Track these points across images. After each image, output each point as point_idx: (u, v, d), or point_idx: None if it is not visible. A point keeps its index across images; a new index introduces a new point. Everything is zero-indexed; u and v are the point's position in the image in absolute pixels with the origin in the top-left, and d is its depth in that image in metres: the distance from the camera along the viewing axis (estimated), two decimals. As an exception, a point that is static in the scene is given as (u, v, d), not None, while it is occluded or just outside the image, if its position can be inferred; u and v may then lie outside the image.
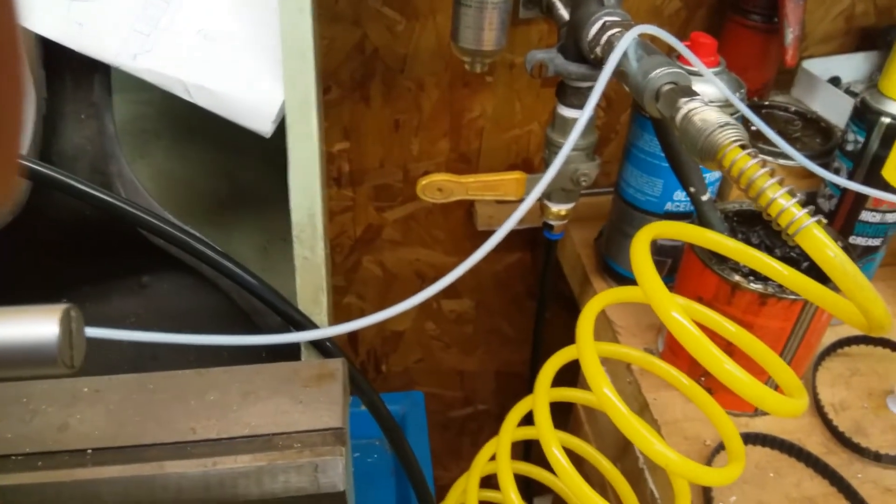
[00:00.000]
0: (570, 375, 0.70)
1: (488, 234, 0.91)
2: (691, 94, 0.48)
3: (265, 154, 0.60)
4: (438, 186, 0.62)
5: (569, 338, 0.85)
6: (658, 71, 0.50)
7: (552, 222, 0.69)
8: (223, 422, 0.37)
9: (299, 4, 0.45)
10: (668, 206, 0.68)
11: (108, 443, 0.35)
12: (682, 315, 0.39)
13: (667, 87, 0.49)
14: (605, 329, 0.71)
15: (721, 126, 0.43)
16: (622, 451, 0.66)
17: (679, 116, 0.47)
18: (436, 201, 0.63)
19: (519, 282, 1.02)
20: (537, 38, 0.83)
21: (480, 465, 0.60)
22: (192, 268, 0.56)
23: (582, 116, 0.53)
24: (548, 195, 0.67)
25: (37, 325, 0.20)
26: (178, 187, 0.69)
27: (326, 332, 0.40)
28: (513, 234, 0.63)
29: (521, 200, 0.68)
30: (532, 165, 0.92)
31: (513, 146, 0.90)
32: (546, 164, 0.68)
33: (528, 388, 0.95)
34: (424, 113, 0.86)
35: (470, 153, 0.90)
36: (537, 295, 0.86)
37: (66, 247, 0.56)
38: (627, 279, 0.73)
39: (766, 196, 0.38)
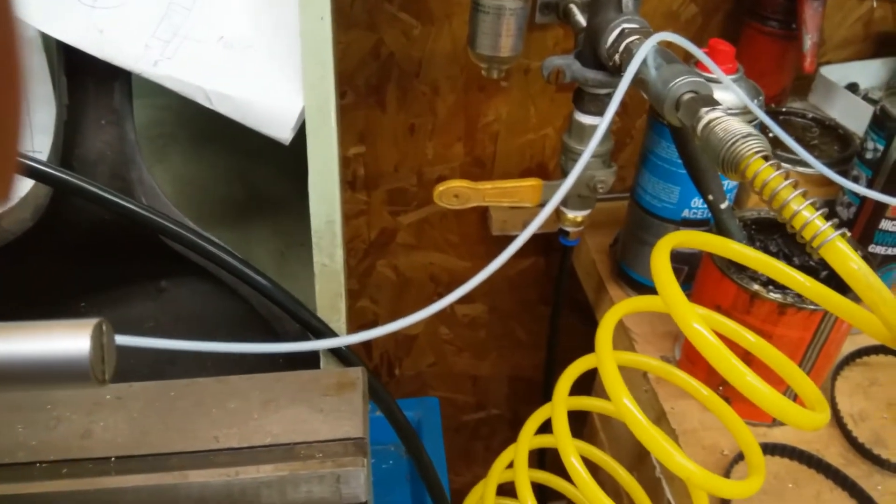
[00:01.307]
0: (586, 382, 0.70)
1: (502, 238, 0.91)
2: (712, 103, 0.48)
3: (283, 159, 0.60)
4: (455, 193, 0.62)
5: (583, 344, 0.85)
6: (678, 80, 0.50)
7: (568, 229, 0.69)
8: (245, 430, 0.37)
9: (320, 12, 0.45)
10: (686, 213, 0.68)
11: (132, 451, 0.36)
12: (703, 326, 0.38)
13: (687, 97, 0.49)
14: (622, 337, 0.70)
15: (744, 137, 0.43)
16: (638, 460, 0.66)
17: (700, 126, 0.47)
18: (452, 207, 0.63)
19: (532, 287, 1.02)
20: (553, 42, 0.83)
21: (497, 473, 0.60)
22: (210, 273, 0.56)
23: (601, 124, 0.53)
24: (564, 202, 0.67)
25: (69, 340, 0.20)
26: (195, 192, 0.70)
27: (346, 339, 0.40)
28: (527, 240, 0.63)
29: (537, 206, 0.68)
30: (547, 170, 0.92)
31: (527, 150, 0.90)
32: (562, 170, 0.68)
33: (541, 392, 0.95)
34: (439, 117, 0.86)
35: (485, 157, 0.90)
36: (551, 301, 0.86)
37: (84, 251, 0.56)
38: (644, 286, 0.73)
39: (789, 208, 0.38)
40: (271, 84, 0.49)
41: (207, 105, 0.49)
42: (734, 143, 0.43)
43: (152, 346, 0.39)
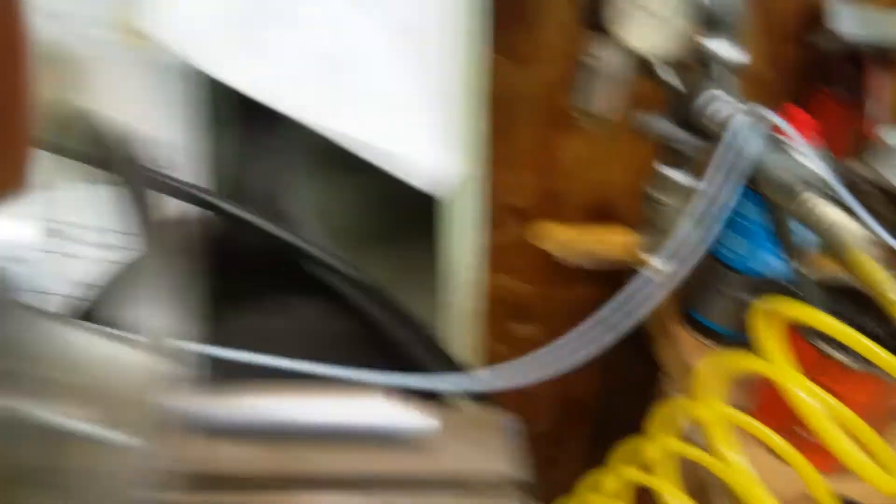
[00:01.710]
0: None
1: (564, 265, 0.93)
2: (810, 188, 0.54)
3: (398, 191, 0.66)
4: (557, 239, 0.68)
5: (632, 372, 0.89)
6: (775, 158, 0.56)
7: (650, 275, 0.75)
8: (421, 458, 0.42)
9: (478, 77, 0.50)
10: (757, 267, 0.73)
11: (322, 470, 0.41)
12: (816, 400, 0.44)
13: (785, 175, 0.55)
14: (685, 376, 0.76)
15: (847, 229, 0.49)
16: (699, 496, 0.71)
17: (798, 206, 0.53)
18: (553, 252, 0.69)
19: (588, 313, 1.07)
20: (637, 91, 0.88)
21: (584, 493, 0.66)
22: (336, 293, 0.62)
23: (702, 193, 0.58)
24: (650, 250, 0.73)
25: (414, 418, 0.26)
26: (318, 219, 0.75)
27: (497, 382, 0.46)
28: (593, 271, 0.69)
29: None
30: (616, 209, 0.97)
31: (598, 189, 0.96)
32: (648, 220, 0.73)
33: (588, 413, 1.01)
34: (518, 150, 0.92)
35: (557, 191, 0.96)
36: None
37: (229, 267, 0.62)
38: (712, 331, 0.78)
39: (889, 300, 0.44)
40: (426, 141, 0.54)
41: (365, 157, 0.55)
42: (839, 234, 0.49)
43: (327, 375, 0.45)
